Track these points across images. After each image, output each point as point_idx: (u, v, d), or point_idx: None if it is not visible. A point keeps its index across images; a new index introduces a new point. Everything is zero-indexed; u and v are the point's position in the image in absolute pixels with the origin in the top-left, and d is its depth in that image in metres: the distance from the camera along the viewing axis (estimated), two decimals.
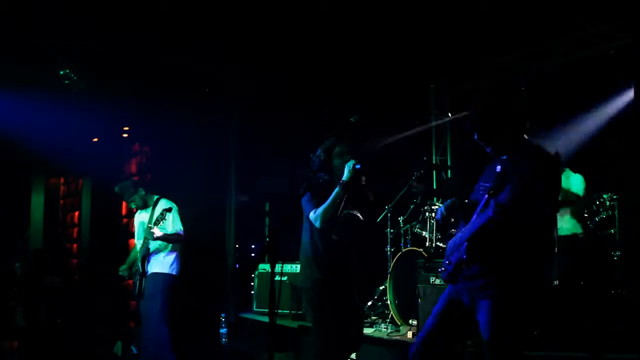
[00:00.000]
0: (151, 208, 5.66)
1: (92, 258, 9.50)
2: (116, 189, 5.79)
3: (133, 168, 9.12)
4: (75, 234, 10.30)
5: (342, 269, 3.85)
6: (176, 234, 5.55)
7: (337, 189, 3.75)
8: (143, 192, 5.76)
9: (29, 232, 9.71)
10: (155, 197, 5.79)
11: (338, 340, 3.82)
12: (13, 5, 5.41)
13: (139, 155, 9.01)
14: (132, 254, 5.91)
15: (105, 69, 6.71)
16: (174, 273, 5.61)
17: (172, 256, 5.62)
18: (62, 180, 10.97)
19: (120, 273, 5.85)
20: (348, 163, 3.77)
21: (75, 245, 10.28)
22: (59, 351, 7.59)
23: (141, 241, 5.63)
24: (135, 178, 8.74)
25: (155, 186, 7.15)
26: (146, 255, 5.55)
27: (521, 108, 3.04)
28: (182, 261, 5.73)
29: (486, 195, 2.86)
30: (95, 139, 8.76)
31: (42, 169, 9.75)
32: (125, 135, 8.78)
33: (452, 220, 3.14)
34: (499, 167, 2.99)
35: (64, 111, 7.13)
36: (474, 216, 2.95)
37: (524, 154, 2.90)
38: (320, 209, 3.79)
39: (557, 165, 2.90)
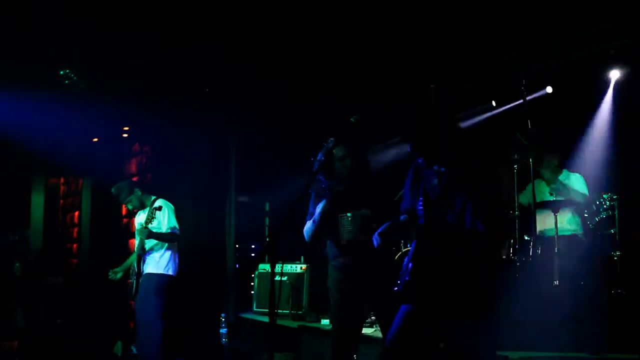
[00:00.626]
0: (148, 208, 5.66)
1: (92, 258, 9.50)
2: (112, 190, 5.79)
3: (133, 168, 9.12)
4: (75, 234, 10.30)
5: (360, 269, 3.81)
6: (170, 233, 5.54)
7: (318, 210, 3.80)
8: (139, 193, 5.75)
9: (29, 232, 9.70)
10: (153, 197, 5.78)
11: (354, 341, 3.85)
12: (13, 5, 5.41)
13: (139, 155, 9.01)
14: (128, 260, 5.90)
15: (105, 69, 6.71)
16: (169, 273, 5.60)
17: (168, 256, 5.60)
18: (62, 180, 10.97)
19: (110, 276, 5.82)
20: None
21: (75, 245, 10.28)
22: (59, 351, 7.59)
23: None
24: (134, 179, 8.74)
25: (156, 186, 7.16)
26: (142, 254, 5.55)
27: (457, 122, 3.05)
28: (180, 260, 5.73)
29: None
30: (95, 139, 8.76)
31: (42, 169, 9.75)
32: (125, 135, 8.77)
33: (393, 247, 3.13)
34: (435, 180, 2.96)
35: (64, 111, 7.13)
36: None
37: (463, 171, 2.88)
38: (305, 228, 3.90)
39: (495, 180, 2.92)
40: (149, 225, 5.43)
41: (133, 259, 5.76)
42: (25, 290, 8.47)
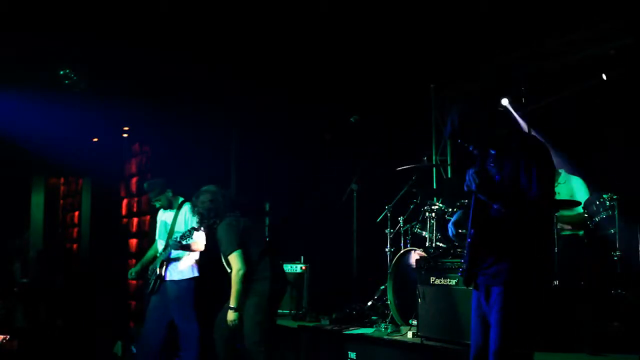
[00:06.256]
0: (175, 210, 5.68)
1: (92, 258, 9.50)
2: (145, 185, 5.82)
3: (133, 168, 9.12)
4: (75, 234, 10.30)
5: None
6: (197, 245, 5.57)
7: None
8: (170, 194, 5.78)
9: (29, 233, 9.71)
10: (180, 199, 5.80)
11: None
12: (13, 5, 5.41)
13: (139, 155, 9.01)
14: (146, 256, 5.87)
15: (106, 69, 6.71)
16: (194, 275, 5.61)
17: (191, 261, 5.62)
18: (62, 180, 10.98)
19: (130, 277, 5.81)
20: None
21: (75, 245, 10.28)
22: (59, 351, 7.59)
23: (163, 242, 5.63)
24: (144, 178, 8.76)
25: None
26: (165, 260, 5.53)
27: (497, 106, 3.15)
28: (199, 262, 5.75)
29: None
30: (95, 139, 8.76)
31: (42, 169, 9.75)
32: (125, 135, 8.78)
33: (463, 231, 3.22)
34: (492, 164, 3.08)
35: (64, 111, 7.14)
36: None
37: (516, 147, 3.01)
38: None
39: (548, 152, 2.99)
40: (184, 241, 5.37)
41: (150, 257, 5.75)
42: (25, 290, 8.47)
